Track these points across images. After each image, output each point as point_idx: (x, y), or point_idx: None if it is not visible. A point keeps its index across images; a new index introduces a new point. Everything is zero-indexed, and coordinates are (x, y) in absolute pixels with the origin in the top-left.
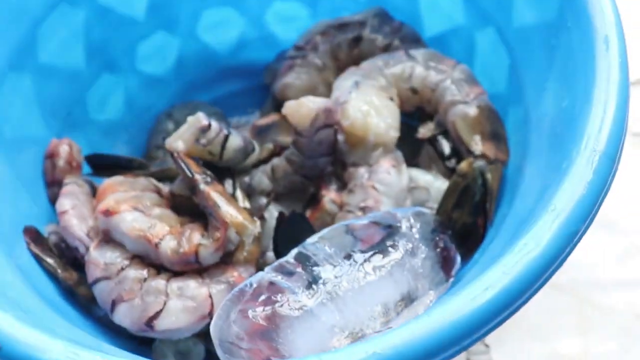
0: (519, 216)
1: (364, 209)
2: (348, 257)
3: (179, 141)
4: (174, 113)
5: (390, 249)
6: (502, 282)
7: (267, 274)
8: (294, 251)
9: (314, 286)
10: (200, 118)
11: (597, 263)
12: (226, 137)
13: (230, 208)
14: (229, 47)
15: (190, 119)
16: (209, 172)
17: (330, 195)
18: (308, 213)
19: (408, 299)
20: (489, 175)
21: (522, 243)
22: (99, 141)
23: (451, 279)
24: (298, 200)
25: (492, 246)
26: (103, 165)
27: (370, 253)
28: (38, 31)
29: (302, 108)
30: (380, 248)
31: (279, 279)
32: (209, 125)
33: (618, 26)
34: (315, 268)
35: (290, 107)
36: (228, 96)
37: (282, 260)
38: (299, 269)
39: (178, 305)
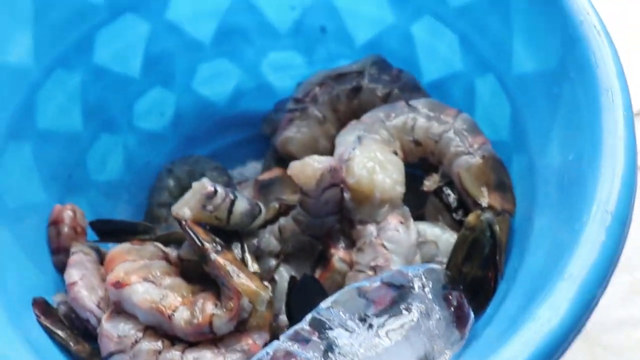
0: (531, 272)
1: (374, 268)
2: (362, 320)
3: (185, 208)
4: (174, 169)
5: (404, 311)
6: (522, 357)
7: (283, 343)
8: (308, 317)
9: (330, 354)
10: (205, 184)
11: (604, 303)
12: (232, 202)
13: (242, 277)
14: (225, 98)
15: (195, 185)
16: (218, 240)
17: (339, 254)
18: (318, 273)
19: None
20: (497, 227)
21: (540, 313)
22: (101, 202)
23: (465, 336)
24: (306, 259)
25: (507, 304)
26: (108, 231)
27: (385, 317)
28: (36, 97)
29: (308, 169)
30: (394, 311)
31: (295, 347)
32: (215, 192)
33: (621, 78)
34: (330, 334)
35: (295, 168)
36: (227, 147)
37: (297, 327)
38: (315, 337)
39: None
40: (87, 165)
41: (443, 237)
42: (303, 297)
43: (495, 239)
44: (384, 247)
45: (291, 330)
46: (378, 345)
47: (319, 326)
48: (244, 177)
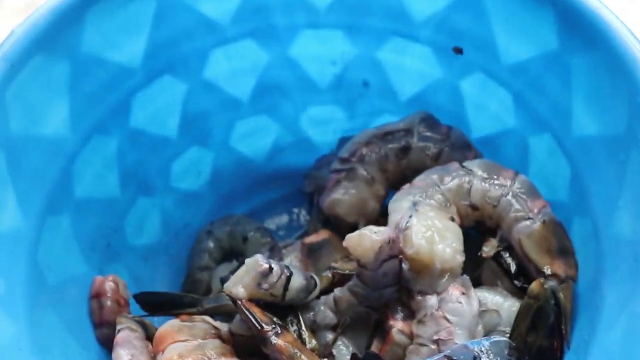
0: (609, 351)
1: (437, 342)
2: None
3: (239, 287)
4: (213, 230)
5: None
6: None
7: None
8: None
9: None
10: (260, 262)
11: None
12: (288, 279)
13: (304, 359)
14: (264, 154)
15: (248, 262)
16: (276, 320)
17: (398, 326)
18: (376, 345)
19: None
20: (561, 295)
21: None
22: (140, 267)
23: None
24: (362, 329)
25: None
26: (153, 304)
27: None
28: (73, 167)
29: (366, 241)
30: None
31: None
32: (271, 269)
33: None
34: None
35: (352, 240)
36: (267, 205)
37: None
38: None
39: None
40: (125, 230)
41: (505, 305)
42: None
43: (560, 307)
44: (447, 319)
45: None
46: None
47: None
48: (283, 235)
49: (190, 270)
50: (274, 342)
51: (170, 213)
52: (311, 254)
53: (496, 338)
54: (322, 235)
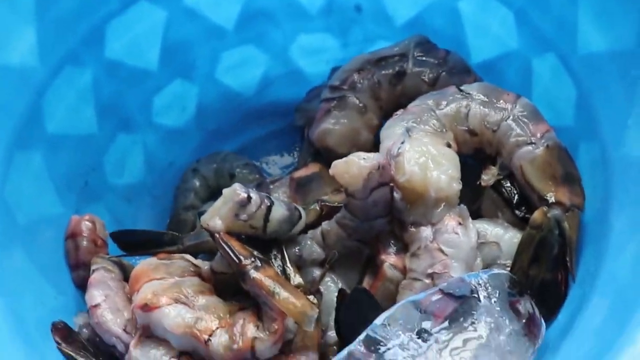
0: (616, 281)
1: (432, 276)
2: (422, 338)
3: (216, 219)
4: (199, 168)
5: (471, 327)
6: None
7: None
8: (362, 335)
9: None
10: (237, 191)
11: None
12: (269, 209)
13: (286, 295)
14: (252, 87)
15: (226, 192)
16: (256, 254)
17: (390, 260)
18: (367, 281)
19: None
20: (566, 225)
21: None
22: (122, 209)
23: (538, 346)
24: (353, 265)
25: (587, 314)
26: (131, 243)
27: (448, 333)
28: (43, 99)
29: (353, 167)
30: (458, 326)
31: None
32: (249, 198)
33: None
34: (387, 355)
35: (339, 167)
36: (256, 141)
37: (351, 348)
38: (371, 359)
39: None
40: (105, 169)
41: (505, 236)
42: (354, 313)
43: (565, 238)
44: (442, 251)
45: (344, 353)
46: None
47: (375, 346)
48: (276, 173)
49: (175, 211)
50: (253, 276)
51: (153, 151)
52: (300, 188)
53: (496, 271)
54: (311, 169)
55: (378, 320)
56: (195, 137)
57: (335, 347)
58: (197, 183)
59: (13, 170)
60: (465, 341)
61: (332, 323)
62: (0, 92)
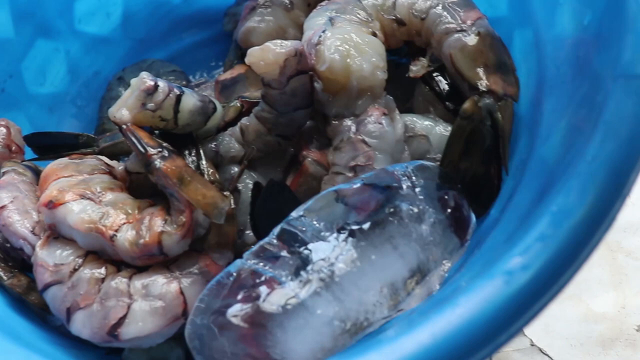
0: (546, 161)
1: (354, 169)
2: (342, 230)
3: (122, 109)
4: (125, 76)
5: (390, 217)
6: (542, 257)
7: (248, 261)
8: (277, 229)
9: (303, 272)
10: (144, 79)
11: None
12: (178, 98)
13: (194, 185)
14: None
15: (133, 81)
16: (165, 145)
17: (312, 155)
18: (289, 180)
19: (419, 275)
20: (498, 115)
21: (558, 203)
22: (43, 118)
23: (467, 242)
24: (275, 164)
25: (516, 201)
26: (47, 146)
27: (368, 224)
28: None
29: (269, 54)
30: (379, 217)
31: (261, 266)
32: (156, 86)
33: None
34: (303, 249)
35: (254, 55)
36: (186, 50)
37: (264, 241)
38: (285, 252)
39: (144, 307)
40: (24, 76)
41: (435, 129)
42: (271, 206)
43: (498, 129)
44: (365, 143)
45: (256, 246)
46: (360, 258)
47: (290, 239)
48: (205, 80)
49: (100, 121)
50: (158, 165)
51: (77, 60)
52: (225, 90)
53: (423, 162)
54: (237, 70)
55: (295, 213)
56: (122, 46)
57: (253, 246)
58: (123, 91)
59: None
60: (385, 231)
61: (249, 221)
62: None
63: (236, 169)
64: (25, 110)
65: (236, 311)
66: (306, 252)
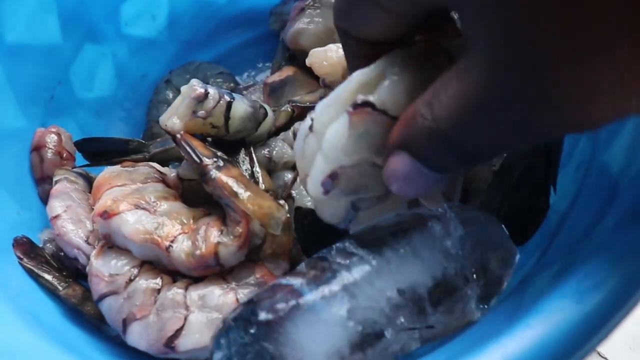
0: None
1: None
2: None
3: (174, 117)
4: (173, 79)
5: (413, 225)
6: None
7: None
8: (308, 261)
9: (320, 276)
10: (194, 86)
11: None
12: (229, 105)
13: (250, 196)
14: None
15: (183, 89)
16: (219, 154)
17: None
18: None
19: (445, 286)
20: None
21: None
22: (92, 123)
23: (507, 272)
24: None
25: (575, 215)
26: (97, 152)
27: (388, 231)
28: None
29: (332, 55)
30: (401, 226)
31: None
32: (206, 93)
33: None
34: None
35: (316, 56)
36: (233, 51)
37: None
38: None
39: (201, 318)
40: (72, 82)
41: None
42: (315, 231)
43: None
44: None
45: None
46: (377, 258)
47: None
48: (253, 82)
49: (148, 125)
50: (214, 175)
51: (124, 63)
52: (273, 93)
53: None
54: (285, 72)
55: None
56: (168, 48)
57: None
58: (171, 95)
59: None
60: (405, 236)
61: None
62: None
63: (289, 175)
64: (74, 115)
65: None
66: (327, 264)
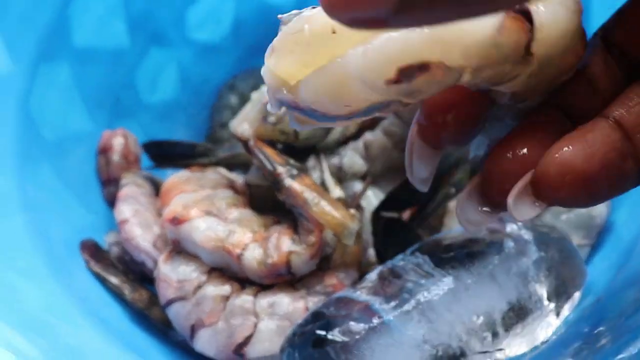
0: None
1: None
2: (441, 262)
3: (244, 123)
4: (236, 84)
5: (491, 248)
6: None
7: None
8: (379, 268)
9: (396, 296)
10: (265, 92)
11: None
12: None
13: (324, 205)
14: None
15: (254, 95)
16: (292, 162)
17: None
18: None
19: (519, 309)
20: None
21: None
22: (155, 127)
23: (578, 292)
24: (395, 178)
25: None
26: (164, 155)
27: (466, 254)
28: (69, 10)
29: None
30: (479, 247)
31: (357, 294)
32: None
33: None
34: (400, 280)
35: None
36: None
37: (365, 280)
38: (381, 284)
39: (271, 326)
40: (137, 85)
41: None
42: (391, 239)
43: None
44: None
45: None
46: (456, 283)
47: (389, 276)
48: None
49: (211, 129)
50: (288, 184)
51: (188, 67)
52: None
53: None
54: None
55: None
56: (232, 53)
57: (376, 265)
58: (234, 100)
59: (38, 82)
60: (482, 260)
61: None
62: (23, 2)
63: (359, 185)
64: (138, 119)
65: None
66: (402, 282)
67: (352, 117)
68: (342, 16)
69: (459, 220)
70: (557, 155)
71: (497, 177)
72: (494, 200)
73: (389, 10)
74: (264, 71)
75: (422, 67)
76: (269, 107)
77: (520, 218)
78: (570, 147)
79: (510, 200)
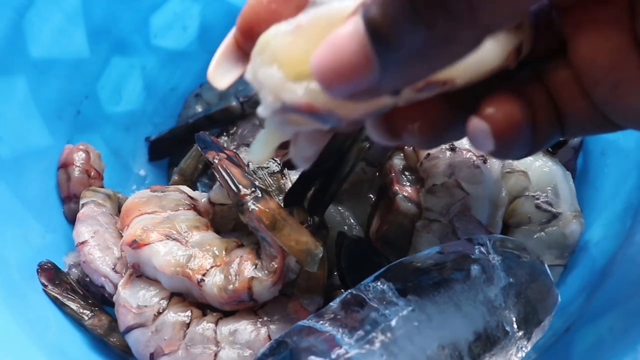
0: None
1: (451, 218)
2: (404, 290)
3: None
4: (202, 93)
5: (455, 274)
6: None
7: (308, 321)
8: (344, 294)
9: (359, 325)
10: None
11: None
12: None
13: (287, 231)
14: None
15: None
16: (257, 184)
17: (404, 192)
18: (379, 214)
19: (486, 339)
20: None
21: None
22: (120, 139)
23: (548, 317)
24: (362, 196)
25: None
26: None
27: (430, 282)
28: (24, 20)
29: None
30: (443, 275)
31: (320, 323)
32: None
33: None
34: (364, 309)
35: None
36: None
37: (328, 306)
38: (344, 313)
39: (232, 355)
40: (99, 96)
41: (535, 165)
42: (354, 260)
43: None
44: (461, 188)
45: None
46: (418, 313)
47: (353, 303)
48: None
49: None
50: (252, 207)
51: (153, 76)
52: None
53: (508, 237)
54: None
55: (369, 279)
56: (199, 60)
57: (342, 290)
58: (201, 109)
59: None
60: (447, 288)
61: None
62: None
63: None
64: (101, 131)
65: None
66: (365, 312)
67: (359, 120)
68: (340, 93)
69: None
70: None
71: None
72: None
73: (375, 73)
74: (263, 66)
75: (445, 84)
76: (260, 110)
77: None
78: None
79: None
